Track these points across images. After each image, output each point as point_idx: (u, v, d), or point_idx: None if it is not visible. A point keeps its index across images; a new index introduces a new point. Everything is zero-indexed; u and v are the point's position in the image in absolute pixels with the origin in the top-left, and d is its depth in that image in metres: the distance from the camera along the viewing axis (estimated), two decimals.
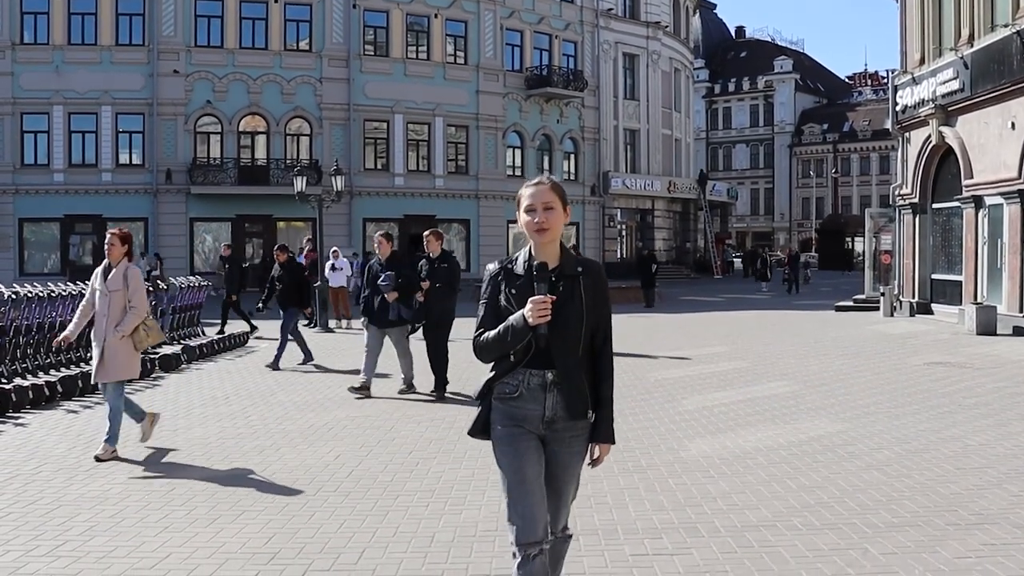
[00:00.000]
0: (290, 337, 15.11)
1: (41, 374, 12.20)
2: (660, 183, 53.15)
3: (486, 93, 44.72)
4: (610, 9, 50.94)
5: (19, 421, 10.09)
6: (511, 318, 3.71)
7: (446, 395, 11.61)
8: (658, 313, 27.04)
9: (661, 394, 11.72)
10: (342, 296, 23.11)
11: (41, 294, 12.67)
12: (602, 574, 5.15)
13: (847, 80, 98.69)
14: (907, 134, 24.76)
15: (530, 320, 3.62)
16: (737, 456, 8.12)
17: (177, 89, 39.36)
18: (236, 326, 19.72)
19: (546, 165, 46.80)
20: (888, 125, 27.66)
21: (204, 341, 17.04)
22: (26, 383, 11.24)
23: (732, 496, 6.79)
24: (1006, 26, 19.11)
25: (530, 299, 3.64)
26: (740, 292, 40.06)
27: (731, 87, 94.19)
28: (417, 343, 12.13)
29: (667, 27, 55.14)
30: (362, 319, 12.26)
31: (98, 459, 8.08)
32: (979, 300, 20.16)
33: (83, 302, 8.59)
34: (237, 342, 18.11)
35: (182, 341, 16.83)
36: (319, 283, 22.21)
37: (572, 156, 49.20)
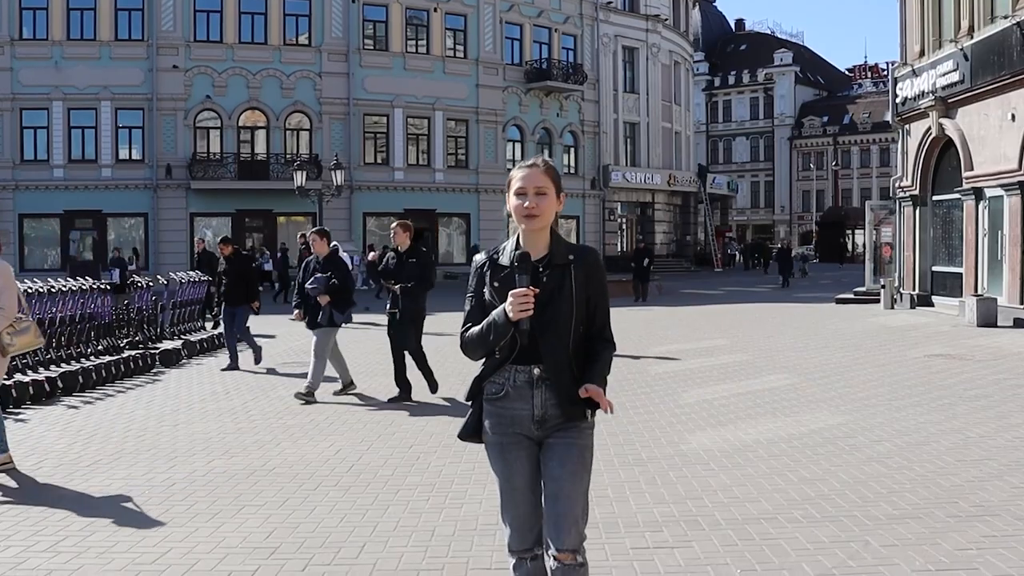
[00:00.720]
0: (239, 336, 14.32)
1: (41, 370, 12.19)
2: (660, 176, 53.13)
3: (486, 87, 44.71)
4: (609, 2, 50.89)
5: (19, 417, 10.09)
6: (493, 313, 3.47)
7: (436, 393, 11.13)
8: (657, 306, 27.02)
9: (661, 387, 11.71)
10: None
11: (41, 290, 12.66)
12: (603, 567, 5.14)
13: (847, 72, 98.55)
14: (907, 126, 24.73)
15: (511, 315, 3.37)
16: (738, 449, 8.12)
17: (177, 84, 39.35)
18: None
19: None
20: (888, 117, 27.63)
21: (204, 336, 17.04)
22: (26, 379, 11.23)
23: (733, 489, 6.79)
24: (1006, 17, 19.08)
25: (510, 292, 3.39)
26: (740, 285, 40.03)
27: (731, 80, 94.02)
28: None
29: (667, 20, 55.08)
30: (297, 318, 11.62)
31: None
32: (980, 292, 20.15)
33: None
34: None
35: (182, 336, 16.83)
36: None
37: (572, 150, 49.17)
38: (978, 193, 20.79)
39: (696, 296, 32.75)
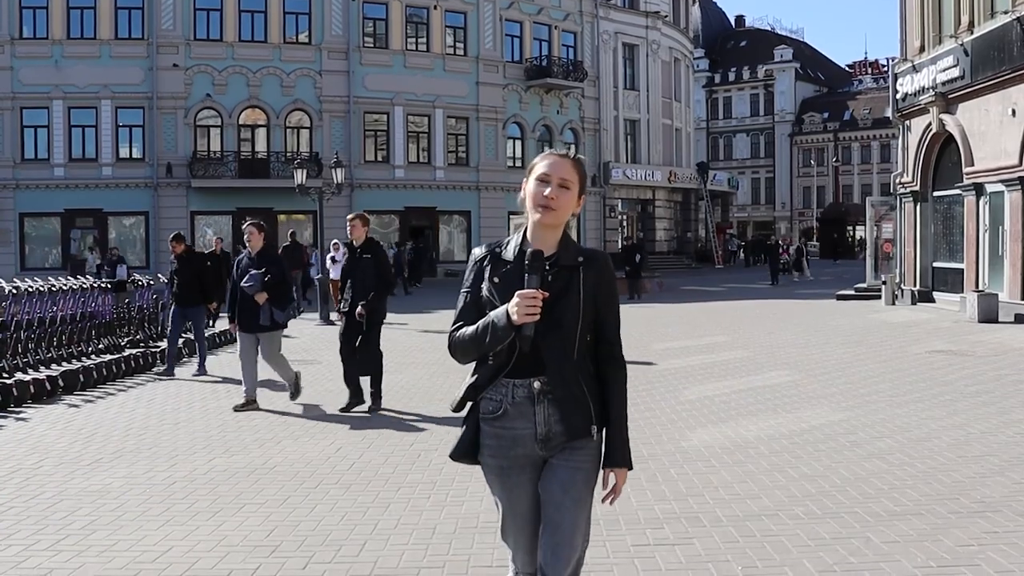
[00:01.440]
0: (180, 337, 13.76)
1: (43, 368, 12.19)
2: (661, 173, 53.09)
3: (486, 84, 44.69)
4: None
5: (20, 416, 10.10)
6: (492, 313, 3.12)
7: (381, 408, 10.18)
8: (658, 303, 27.01)
9: (663, 384, 11.71)
10: None
11: (42, 289, 12.68)
12: (604, 564, 5.14)
13: (847, 68, 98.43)
14: (907, 122, 24.72)
15: (515, 317, 3.02)
16: (739, 445, 8.12)
17: (177, 83, 39.33)
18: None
19: None
20: (888, 113, 27.62)
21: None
22: (27, 378, 11.25)
23: (734, 485, 6.79)
24: (1006, 13, 19.07)
25: (517, 293, 3.05)
26: (741, 281, 40.00)
27: (731, 76, 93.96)
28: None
29: (666, 17, 55.02)
30: (231, 323, 10.87)
31: None
32: (980, 288, 20.14)
33: None
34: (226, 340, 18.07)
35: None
36: (320, 275, 22.25)
37: (572, 147, 49.11)
38: (979, 189, 20.78)
39: (697, 293, 32.74)
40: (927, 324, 19.13)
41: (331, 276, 22.54)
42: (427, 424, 9.34)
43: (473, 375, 3.28)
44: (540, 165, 3.24)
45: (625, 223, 52.73)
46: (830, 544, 5.43)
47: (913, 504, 6.22)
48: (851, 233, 72.65)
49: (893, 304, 24.20)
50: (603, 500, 3.26)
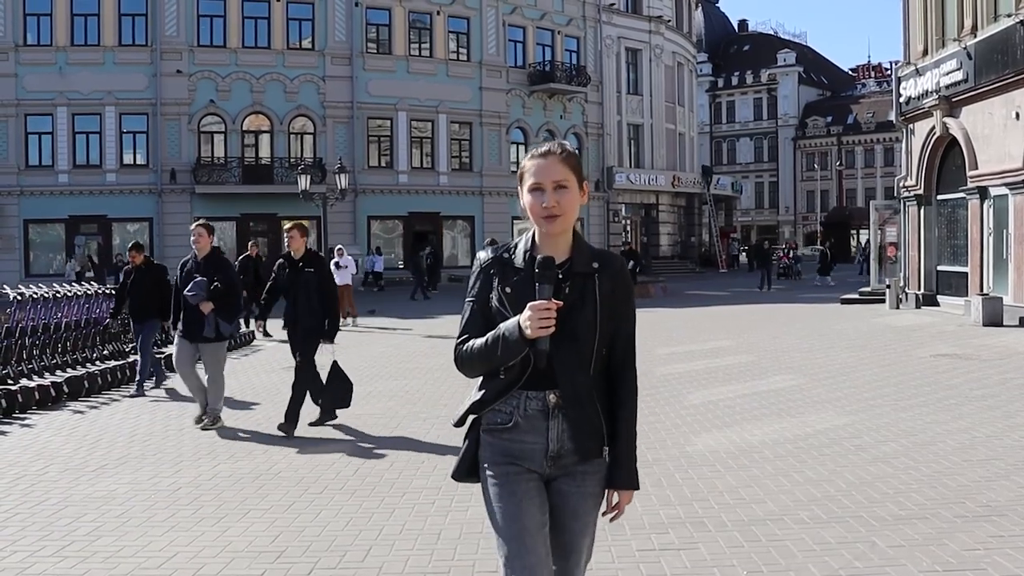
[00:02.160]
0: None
1: (47, 375, 12.21)
2: (664, 178, 53.12)
3: (489, 90, 44.74)
4: (612, 4, 50.87)
5: (25, 422, 10.11)
6: (503, 326, 2.88)
7: (294, 433, 9.15)
8: (662, 308, 26.97)
9: (667, 388, 11.70)
10: (347, 294, 23.21)
11: (46, 295, 12.70)
12: (609, 569, 5.14)
13: (850, 72, 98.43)
14: (911, 126, 24.71)
15: (527, 331, 2.79)
16: (743, 450, 8.11)
17: (180, 89, 39.41)
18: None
19: None
20: (892, 117, 27.61)
21: None
22: (32, 384, 11.27)
23: (739, 490, 6.78)
24: (1009, 16, 19.06)
25: (529, 304, 2.81)
26: (745, 286, 39.96)
27: (734, 81, 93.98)
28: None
29: (669, 21, 55.08)
30: (175, 331, 10.08)
31: None
32: (985, 291, 20.11)
33: None
34: (242, 342, 18.11)
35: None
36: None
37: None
38: (983, 192, 20.76)
39: (701, 297, 32.71)
40: (931, 328, 19.10)
41: (336, 282, 22.56)
42: (431, 429, 9.33)
43: (480, 389, 3.04)
44: (529, 172, 2.98)
45: (629, 228, 52.74)
46: (835, 548, 5.42)
47: (919, 508, 6.20)
48: (855, 237, 72.61)
49: (897, 308, 24.16)
50: (604, 514, 3.12)
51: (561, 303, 2.84)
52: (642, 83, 52.96)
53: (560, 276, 2.92)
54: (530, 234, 3.02)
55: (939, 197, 23.75)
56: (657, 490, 6.82)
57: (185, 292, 9.42)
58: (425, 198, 43.15)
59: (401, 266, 42.76)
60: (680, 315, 24.63)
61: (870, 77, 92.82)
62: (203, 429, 9.43)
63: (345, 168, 26.82)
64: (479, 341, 2.94)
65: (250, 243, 24.89)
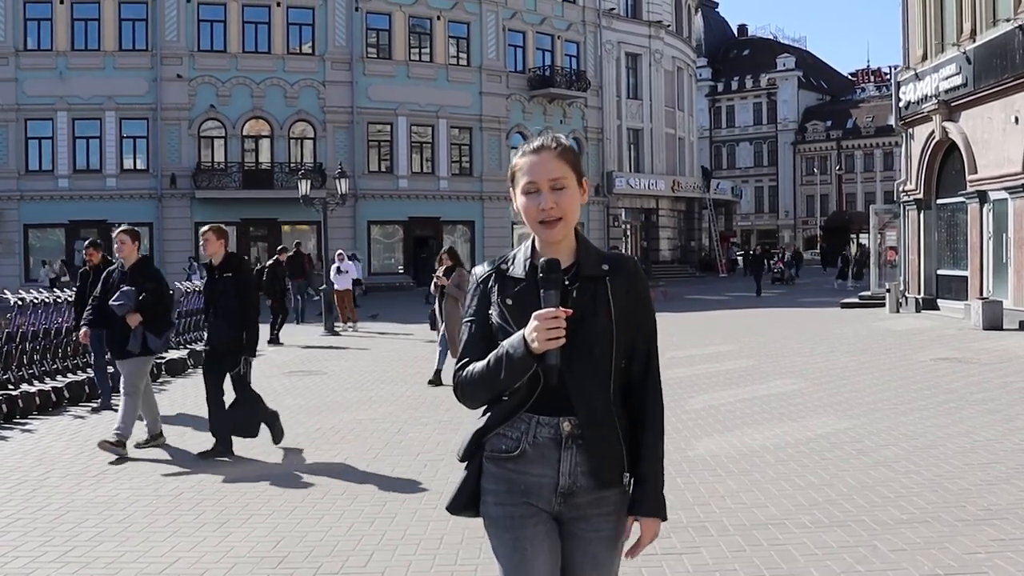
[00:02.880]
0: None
1: (48, 380, 12.21)
2: (664, 182, 53.13)
3: (489, 94, 44.76)
4: (612, 9, 50.92)
5: (26, 427, 10.12)
6: (506, 343, 2.55)
7: (224, 457, 8.38)
8: (662, 312, 26.91)
9: (667, 393, 11.60)
10: (347, 299, 23.23)
11: (47, 300, 12.70)
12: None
13: (850, 77, 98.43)
14: (911, 130, 24.74)
15: (534, 345, 2.46)
16: (744, 454, 8.11)
17: (181, 94, 39.41)
18: None
19: None
20: (892, 121, 27.66)
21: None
22: (33, 389, 11.28)
23: (740, 494, 6.79)
24: (1008, 20, 19.10)
25: (534, 314, 2.49)
26: (746, 290, 39.94)
27: (734, 85, 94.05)
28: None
29: (669, 26, 55.10)
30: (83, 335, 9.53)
31: None
32: (985, 295, 20.12)
33: None
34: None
35: (188, 346, 16.84)
36: (324, 286, 22.35)
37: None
38: (982, 196, 20.78)
39: (701, 301, 32.70)
40: (931, 332, 19.10)
41: (335, 287, 22.58)
42: (432, 434, 9.33)
43: (484, 415, 2.71)
44: (522, 171, 2.66)
45: (629, 233, 52.74)
46: (837, 552, 5.42)
47: (920, 512, 6.21)
48: (854, 241, 72.60)
49: (897, 312, 24.17)
50: (626, 555, 2.81)
51: (570, 311, 2.52)
52: (642, 88, 52.98)
53: (567, 281, 2.60)
54: (529, 241, 2.72)
55: (939, 201, 23.78)
56: None
57: (111, 303, 8.55)
58: (425, 203, 43.17)
59: (401, 271, 42.83)
60: (680, 319, 24.62)
61: (869, 81, 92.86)
62: (102, 447, 8.36)
63: (345, 173, 26.71)
64: (480, 364, 2.62)
65: (279, 248, 24.87)
